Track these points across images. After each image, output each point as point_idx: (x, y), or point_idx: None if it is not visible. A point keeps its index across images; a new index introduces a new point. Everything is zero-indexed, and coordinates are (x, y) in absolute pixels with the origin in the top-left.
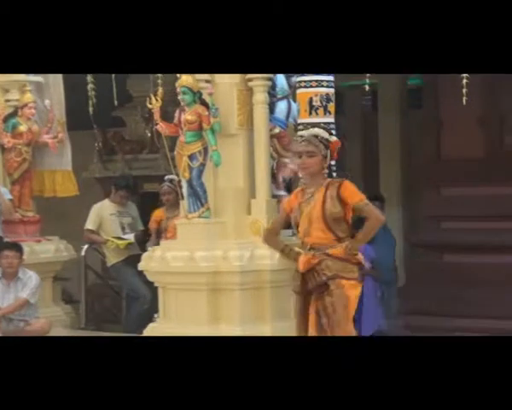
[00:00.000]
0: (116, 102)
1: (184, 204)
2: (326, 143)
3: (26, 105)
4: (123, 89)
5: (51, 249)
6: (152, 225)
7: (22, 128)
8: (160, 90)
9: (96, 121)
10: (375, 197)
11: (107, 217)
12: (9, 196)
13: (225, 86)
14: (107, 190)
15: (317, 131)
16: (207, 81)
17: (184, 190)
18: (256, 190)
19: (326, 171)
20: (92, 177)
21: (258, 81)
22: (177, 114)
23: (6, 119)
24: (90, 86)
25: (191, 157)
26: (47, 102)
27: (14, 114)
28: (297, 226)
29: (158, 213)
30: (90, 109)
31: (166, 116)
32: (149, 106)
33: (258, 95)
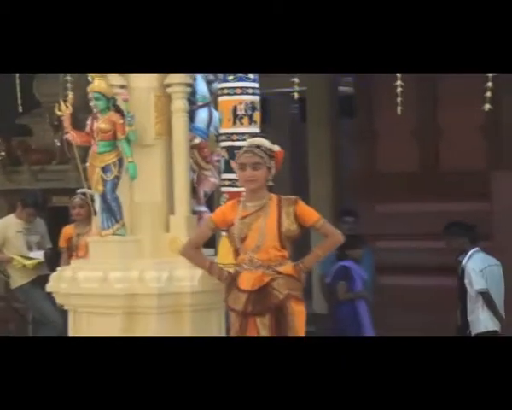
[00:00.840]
0: (21, 109)
1: (97, 220)
2: (270, 154)
3: None
4: (29, 93)
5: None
6: (62, 243)
7: None
8: (71, 95)
9: None
10: (347, 213)
11: (12, 234)
12: None
13: (142, 92)
14: (10, 204)
15: (259, 140)
16: (122, 86)
17: (97, 204)
18: (175, 205)
19: (270, 183)
20: None
21: (177, 87)
22: (89, 122)
23: None
24: None
25: (105, 169)
26: None
27: None
28: (241, 241)
29: (68, 230)
30: None
31: (78, 124)
32: (58, 112)
33: (177, 102)
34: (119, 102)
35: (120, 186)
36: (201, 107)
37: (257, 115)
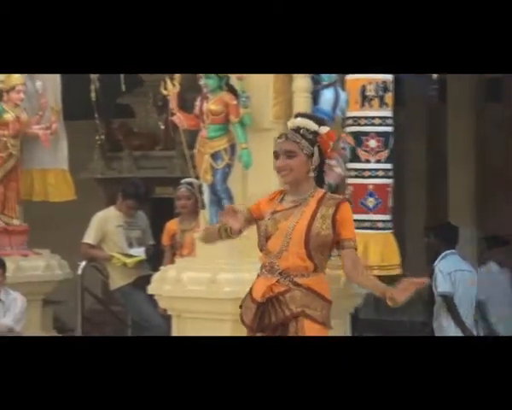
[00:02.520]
0: (124, 87)
1: (205, 214)
2: (312, 138)
3: (13, 88)
4: (131, 74)
5: (41, 266)
6: (165, 240)
7: (8, 116)
8: (178, 73)
9: (98, 109)
10: (501, 241)
11: (111, 229)
12: None
13: None
14: (110, 195)
15: (299, 121)
16: None
17: (206, 196)
18: None
19: (312, 174)
20: (92, 177)
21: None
22: (198, 103)
23: None
24: None
25: (215, 156)
26: (38, 83)
27: None
28: (266, 240)
29: (172, 225)
30: (92, 95)
31: (185, 105)
32: (164, 92)
33: (300, 81)
34: (233, 81)
35: (232, 176)
36: (326, 86)
37: (389, 97)
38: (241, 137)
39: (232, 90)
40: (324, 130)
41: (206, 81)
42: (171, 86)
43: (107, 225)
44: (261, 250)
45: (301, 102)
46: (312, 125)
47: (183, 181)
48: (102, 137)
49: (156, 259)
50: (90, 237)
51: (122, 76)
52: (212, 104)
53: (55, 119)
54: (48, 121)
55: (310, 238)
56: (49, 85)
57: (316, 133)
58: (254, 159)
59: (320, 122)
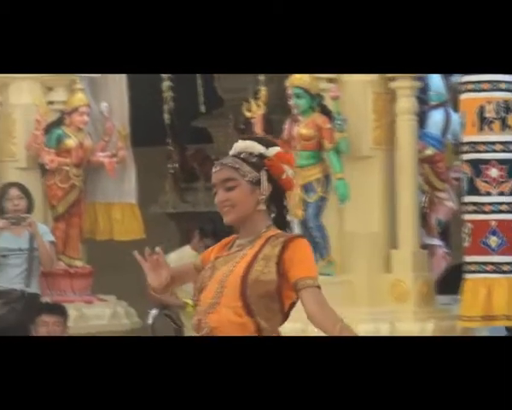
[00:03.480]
0: (203, 108)
1: None
2: (257, 162)
3: (75, 110)
4: (210, 89)
5: (106, 314)
6: None
7: (70, 142)
8: (263, 91)
9: (172, 134)
10: None
11: None
12: (51, 238)
13: (356, 87)
14: (184, 232)
15: (239, 145)
16: (331, 80)
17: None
18: (398, 236)
19: (262, 207)
20: (164, 212)
21: (405, 82)
22: (286, 127)
23: (49, 129)
24: (165, 84)
25: (306, 188)
26: (104, 105)
27: (59, 123)
28: (199, 292)
29: None
30: (166, 117)
31: (271, 128)
32: (247, 113)
33: (404, 101)
34: (327, 101)
35: (327, 211)
36: (435, 107)
37: None
38: (336, 165)
39: (326, 112)
40: (273, 151)
41: (296, 101)
42: (256, 107)
43: None
44: (195, 307)
45: (405, 126)
46: (257, 147)
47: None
48: (176, 165)
49: None
50: None
51: (201, 94)
52: (302, 128)
53: (122, 145)
54: (114, 148)
55: (247, 286)
56: (116, 107)
57: (262, 156)
58: (352, 191)
59: (269, 143)
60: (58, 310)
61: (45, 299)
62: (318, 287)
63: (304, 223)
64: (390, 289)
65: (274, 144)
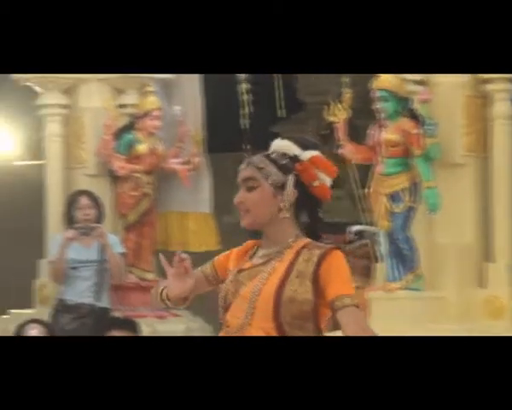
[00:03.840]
0: (283, 113)
1: (382, 268)
2: (287, 164)
3: (147, 114)
4: (289, 92)
5: (180, 330)
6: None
7: (141, 148)
8: (348, 94)
9: (249, 140)
10: None
11: None
12: (121, 249)
13: (447, 90)
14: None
15: (275, 144)
16: (420, 82)
17: (382, 246)
18: (494, 249)
19: (286, 215)
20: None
21: (500, 84)
22: (372, 132)
23: (119, 134)
24: (242, 87)
25: (393, 197)
26: (177, 108)
27: (130, 128)
28: (225, 311)
29: None
30: (242, 122)
31: (355, 134)
32: (330, 118)
33: (500, 105)
34: (415, 105)
35: (415, 221)
36: None
37: None
38: (425, 173)
39: (414, 116)
40: (308, 155)
41: (383, 105)
42: (339, 111)
43: None
44: (221, 327)
45: (502, 132)
46: (292, 149)
47: (352, 229)
48: None
49: None
50: None
51: (280, 97)
52: (389, 133)
53: (196, 151)
54: (188, 154)
55: (280, 306)
56: (190, 110)
57: (295, 158)
58: (442, 200)
59: (309, 146)
60: (129, 326)
61: (116, 314)
62: (356, 305)
63: (390, 234)
64: (484, 304)
65: (315, 147)
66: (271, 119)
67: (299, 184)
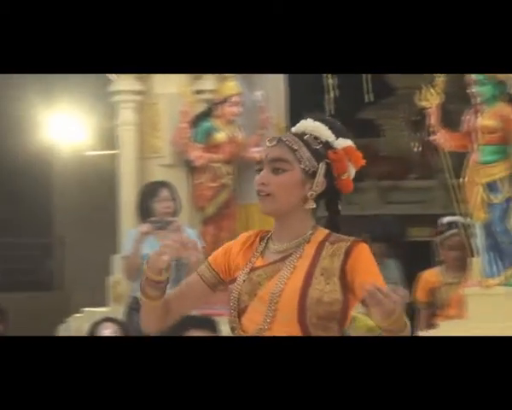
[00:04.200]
0: (371, 97)
1: (478, 262)
2: (320, 150)
3: (226, 100)
4: (377, 76)
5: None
6: (420, 295)
7: (220, 136)
8: (441, 77)
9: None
10: None
11: None
12: (200, 243)
13: None
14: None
15: (306, 124)
16: None
17: (478, 239)
18: None
19: (311, 206)
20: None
21: None
22: (467, 118)
23: (196, 121)
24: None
25: (491, 187)
26: (259, 94)
27: (207, 115)
28: (239, 315)
29: (430, 276)
30: (327, 107)
31: (449, 120)
32: (421, 103)
33: None
34: None
35: None
36: None
37: None
38: None
39: None
40: (343, 143)
41: (479, 89)
42: (431, 96)
43: None
44: (233, 331)
45: None
46: (325, 133)
47: (444, 220)
48: None
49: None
50: None
51: (368, 82)
52: (486, 119)
53: None
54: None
55: (306, 308)
56: (272, 96)
57: (328, 145)
58: None
59: (341, 133)
60: (208, 324)
61: (193, 312)
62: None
63: (487, 227)
64: None
65: (346, 135)
66: (358, 104)
67: (328, 174)
